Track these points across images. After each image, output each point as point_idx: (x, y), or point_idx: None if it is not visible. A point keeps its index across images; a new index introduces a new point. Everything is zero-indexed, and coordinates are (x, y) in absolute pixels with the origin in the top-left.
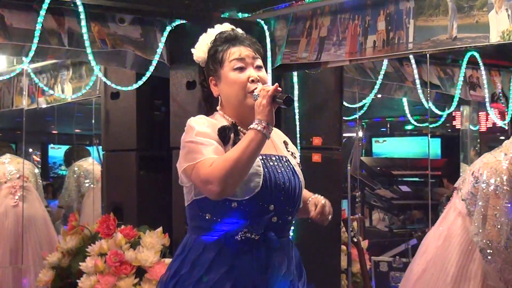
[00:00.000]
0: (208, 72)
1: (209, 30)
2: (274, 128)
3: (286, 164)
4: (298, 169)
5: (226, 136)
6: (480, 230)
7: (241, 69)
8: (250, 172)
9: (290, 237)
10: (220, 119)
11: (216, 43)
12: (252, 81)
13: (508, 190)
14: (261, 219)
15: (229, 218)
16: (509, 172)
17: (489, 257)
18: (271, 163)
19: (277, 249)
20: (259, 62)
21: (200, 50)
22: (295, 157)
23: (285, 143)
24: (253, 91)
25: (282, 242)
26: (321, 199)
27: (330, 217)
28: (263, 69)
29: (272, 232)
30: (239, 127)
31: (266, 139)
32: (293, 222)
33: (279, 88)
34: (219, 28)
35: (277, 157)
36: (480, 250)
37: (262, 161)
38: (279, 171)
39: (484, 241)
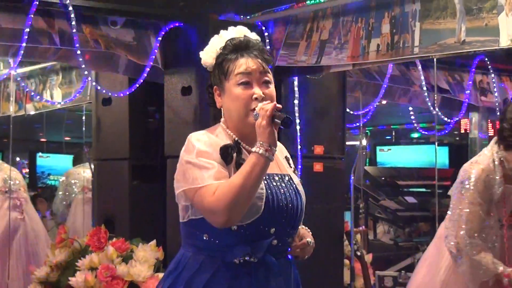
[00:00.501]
0: (215, 81)
1: (221, 32)
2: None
3: (289, 183)
4: (301, 188)
5: (228, 155)
6: (451, 232)
7: (246, 84)
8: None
9: (290, 256)
10: (222, 135)
11: (225, 50)
12: (256, 98)
13: (473, 190)
14: (261, 244)
15: (228, 241)
16: (476, 172)
17: (457, 260)
18: (274, 183)
19: (276, 272)
20: (267, 77)
21: (208, 55)
22: (296, 174)
23: (287, 158)
24: (254, 109)
25: (281, 264)
26: (308, 236)
27: (306, 257)
28: (272, 85)
29: (271, 255)
30: (242, 144)
31: (269, 162)
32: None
33: (278, 106)
34: (232, 31)
35: (280, 176)
36: (450, 252)
37: (265, 182)
38: (282, 191)
39: (452, 243)
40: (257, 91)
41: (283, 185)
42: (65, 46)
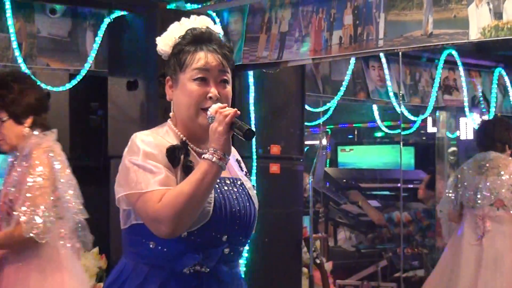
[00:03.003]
0: (168, 70)
1: (183, 19)
2: None
3: (242, 188)
4: (253, 193)
5: (175, 158)
6: None
7: (203, 81)
8: None
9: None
10: (168, 135)
11: (184, 40)
12: (211, 98)
13: None
14: (213, 251)
15: (177, 249)
16: None
17: None
18: (226, 188)
19: (228, 283)
20: (226, 76)
21: (165, 42)
22: (249, 178)
23: (238, 161)
24: (207, 109)
25: (233, 275)
26: None
27: None
28: (229, 86)
29: (223, 264)
30: (190, 145)
31: (221, 171)
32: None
33: (238, 112)
34: (194, 20)
35: (232, 180)
36: None
37: (216, 185)
38: (234, 196)
39: None
40: (213, 90)
41: (235, 189)
42: None
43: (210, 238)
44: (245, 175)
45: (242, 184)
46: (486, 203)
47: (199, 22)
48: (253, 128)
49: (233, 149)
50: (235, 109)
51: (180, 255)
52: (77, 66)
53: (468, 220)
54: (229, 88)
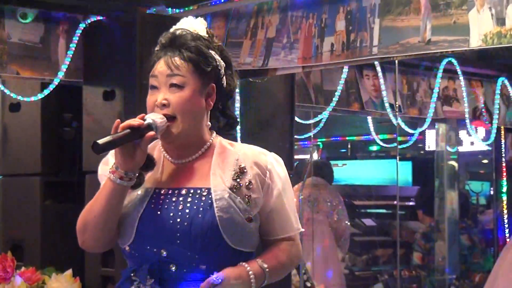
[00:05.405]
0: None
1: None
2: (241, 146)
3: (202, 199)
4: (221, 204)
5: None
6: None
7: (154, 89)
8: (132, 213)
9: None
10: (152, 147)
11: (157, 48)
12: (157, 106)
13: None
14: (141, 268)
15: (128, 263)
16: None
17: None
18: (173, 199)
19: None
20: (176, 80)
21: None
22: (248, 188)
23: (241, 169)
24: None
25: None
26: (221, 274)
27: None
28: (184, 90)
29: (171, 282)
30: (165, 155)
31: (119, 186)
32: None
33: (130, 123)
34: (180, 23)
35: (191, 191)
36: None
37: (161, 197)
38: (180, 208)
39: None
40: (159, 97)
41: (187, 201)
42: None
43: (145, 252)
44: (239, 185)
45: (207, 195)
46: None
47: (178, 25)
48: (238, 139)
49: (250, 152)
50: (117, 120)
51: (127, 270)
52: (48, 75)
53: None
54: (180, 93)
